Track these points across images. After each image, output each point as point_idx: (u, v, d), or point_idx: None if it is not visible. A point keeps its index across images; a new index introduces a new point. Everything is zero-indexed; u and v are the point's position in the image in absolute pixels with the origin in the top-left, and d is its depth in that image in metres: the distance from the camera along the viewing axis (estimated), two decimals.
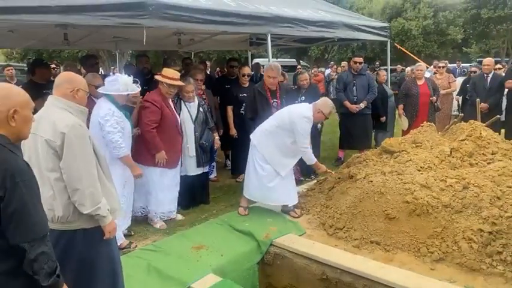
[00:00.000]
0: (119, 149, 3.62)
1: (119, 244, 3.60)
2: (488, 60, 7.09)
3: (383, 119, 6.90)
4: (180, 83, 4.35)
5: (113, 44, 7.69)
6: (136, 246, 3.89)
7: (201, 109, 4.87)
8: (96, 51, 10.21)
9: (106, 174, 2.50)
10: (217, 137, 5.07)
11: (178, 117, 4.44)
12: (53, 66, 9.46)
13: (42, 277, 1.72)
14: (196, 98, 4.88)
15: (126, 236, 4.01)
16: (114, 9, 3.74)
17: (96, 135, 3.58)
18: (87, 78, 4.59)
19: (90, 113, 4.19)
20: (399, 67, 14.30)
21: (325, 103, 4.32)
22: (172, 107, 4.43)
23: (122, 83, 3.62)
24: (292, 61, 21.68)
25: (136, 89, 3.83)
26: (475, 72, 8.37)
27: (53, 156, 2.27)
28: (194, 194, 4.91)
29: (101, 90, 3.67)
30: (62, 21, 3.82)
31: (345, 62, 14.53)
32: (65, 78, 2.46)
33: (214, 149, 5.33)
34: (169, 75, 4.25)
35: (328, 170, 4.63)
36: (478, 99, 5.99)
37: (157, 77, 4.32)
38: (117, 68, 9.77)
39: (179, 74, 4.46)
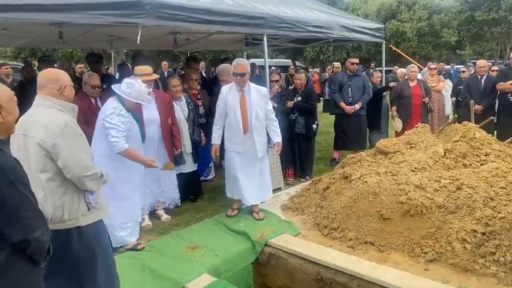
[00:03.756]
0: (116, 144, 3.51)
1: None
2: (482, 62, 7.14)
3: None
4: (153, 76, 4.27)
5: (108, 43, 7.65)
6: (144, 247, 3.82)
7: (190, 107, 4.99)
8: (91, 50, 10.16)
9: None
10: (202, 134, 5.24)
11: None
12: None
13: (41, 257, 1.81)
14: (182, 96, 4.94)
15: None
16: (111, 8, 3.71)
17: (100, 134, 3.59)
18: (83, 77, 4.58)
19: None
20: (396, 68, 14.38)
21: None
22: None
23: (136, 90, 3.58)
24: (287, 62, 21.70)
25: (149, 101, 3.79)
26: (463, 72, 8.45)
27: (45, 157, 2.26)
28: (188, 191, 4.98)
29: (114, 88, 3.64)
30: (57, 20, 3.78)
31: (337, 62, 14.58)
32: (49, 78, 2.40)
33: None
34: (142, 71, 4.18)
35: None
36: (471, 101, 6.03)
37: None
38: (111, 67, 9.71)
39: (150, 68, 4.41)
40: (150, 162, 3.71)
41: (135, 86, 3.58)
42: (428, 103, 6.91)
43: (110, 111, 3.53)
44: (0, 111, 1.77)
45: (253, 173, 4.36)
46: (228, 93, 4.32)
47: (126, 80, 3.69)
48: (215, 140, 4.42)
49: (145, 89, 3.69)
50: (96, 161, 3.49)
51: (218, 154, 4.54)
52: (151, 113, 4.24)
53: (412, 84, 6.86)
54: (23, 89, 5.07)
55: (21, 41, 6.39)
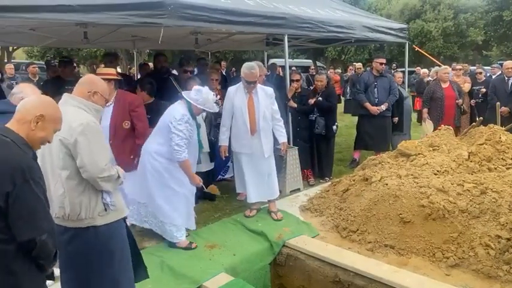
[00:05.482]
0: (179, 153, 3.54)
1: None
2: (509, 63, 6.93)
3: (395, 119, 6.75)
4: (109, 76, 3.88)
5: (130, 43, 7.78)
6: (196, 246, 3.81)
7: None
8: (114, 49, 10.35)
9: None
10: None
11: None
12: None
13: (47, 262, 1.85)
14: None
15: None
16: (134, 9, 3.77)
17: (161, 131, 3.66)
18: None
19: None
20: (418, 69, 14.13)
21: None
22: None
23: (203, 96, 3.63)
24: (308, 62, 21.57)
25: (215, 109, 3.80)
26: (480, 73, 8.25)
27: (66, 154, 2.31)
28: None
29: (184, 94, 3.72)
30: (83, 20, 3.88)
31: (359, 63, 14.44)
32: (87, 80, 2.55)
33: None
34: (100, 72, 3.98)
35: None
36: (498, 103, 5.88)
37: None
38: (134, 67, 9.87)
39: (114, 70, 4.33)
40: (198, 181, 3.76)
41: (203, 93, 3.63)
42: (462, 104, 6.75)
43: (180, 116, 3.57)
44: (38, 120, 1.85)
45: (260, 173, 4.38)
46: (235, 94, 4.32)
47: (195, 87, 3.75)
48: (223, 141, 4.44)
49: (213, 97, 3.72)
50: (150, 156, 3.66)
51: (227, 154, 4.57)
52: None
53: (444, 85, 6.68)
54: (50, 86, 5.27)
55: (48, 40, 6.56)
